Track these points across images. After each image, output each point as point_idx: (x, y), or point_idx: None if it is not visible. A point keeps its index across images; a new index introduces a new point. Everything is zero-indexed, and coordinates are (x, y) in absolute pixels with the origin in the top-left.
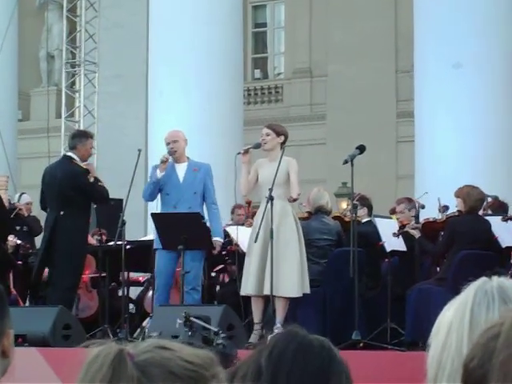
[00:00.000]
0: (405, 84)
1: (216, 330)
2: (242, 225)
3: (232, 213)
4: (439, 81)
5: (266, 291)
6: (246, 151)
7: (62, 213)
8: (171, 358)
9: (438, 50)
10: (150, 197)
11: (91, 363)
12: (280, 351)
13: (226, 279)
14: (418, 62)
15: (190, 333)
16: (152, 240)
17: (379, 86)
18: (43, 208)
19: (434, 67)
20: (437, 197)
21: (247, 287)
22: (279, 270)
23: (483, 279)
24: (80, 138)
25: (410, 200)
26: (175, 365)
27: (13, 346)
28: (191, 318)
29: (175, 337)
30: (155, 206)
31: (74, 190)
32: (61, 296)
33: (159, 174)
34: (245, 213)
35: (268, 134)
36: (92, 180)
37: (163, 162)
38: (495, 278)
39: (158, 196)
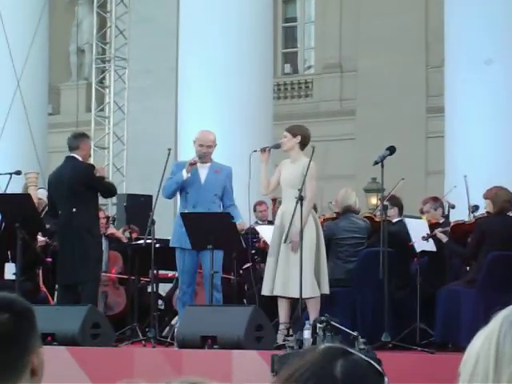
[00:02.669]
0: (435, 79)
1: (355, 334)
2: (265, 221)
3: (254, 210)
4: (470, 76)
5: (276, 292)
6: (264, 150)
7: (74, 210)
8: None
9: (469, 45)
10: (171, 195)
11: None
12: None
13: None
14: (449, 57)
15: (330, 337)
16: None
17: (409, 81)
18: (52, 215)
19: (465, 63)
20: (467, 194)
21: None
22: (292, 271)
23: (511, 308)
24: (82, 138)
25: (435, 199)
26: None
27: (42, 365)
28: (332, 323)
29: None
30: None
31: (83, 185)
32: (85, 289)
33: (185, 175)
34: (272, 210)
35: (285, 136)
36: (98, 175)
37: (191, 164)
38: None
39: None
